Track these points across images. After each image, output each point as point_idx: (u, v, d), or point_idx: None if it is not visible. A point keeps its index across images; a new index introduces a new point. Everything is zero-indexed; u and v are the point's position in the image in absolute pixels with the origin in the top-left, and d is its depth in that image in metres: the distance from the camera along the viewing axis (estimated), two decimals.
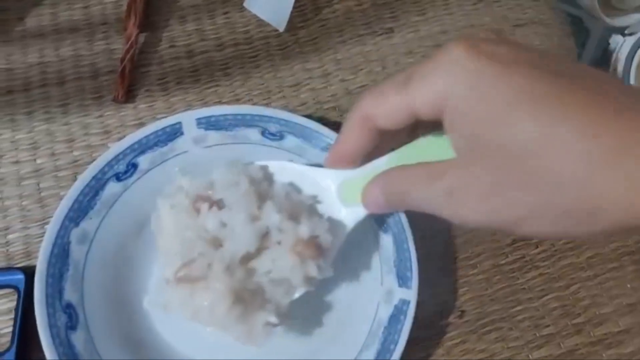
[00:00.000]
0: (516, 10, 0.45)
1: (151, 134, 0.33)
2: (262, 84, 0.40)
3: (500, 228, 0.23)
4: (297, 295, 0.29)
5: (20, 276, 0.32)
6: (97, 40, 0.41)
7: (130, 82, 0.39)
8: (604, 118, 0.20)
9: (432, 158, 0.25)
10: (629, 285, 0.37)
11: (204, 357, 0.32)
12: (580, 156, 0.20)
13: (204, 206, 0.28)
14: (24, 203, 0.35)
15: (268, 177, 0.31)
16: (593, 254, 0.37)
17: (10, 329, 0.31)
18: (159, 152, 0.33)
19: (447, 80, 0.22)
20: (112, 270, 0.32)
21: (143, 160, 0.33)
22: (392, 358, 0.30)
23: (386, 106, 0.25)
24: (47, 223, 0.33)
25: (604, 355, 0.35)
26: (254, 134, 0.35)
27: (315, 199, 0.31)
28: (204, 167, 0.31)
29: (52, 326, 0.29)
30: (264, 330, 0.28)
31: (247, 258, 0.28)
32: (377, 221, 0.33)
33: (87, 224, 0.32)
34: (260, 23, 0.42)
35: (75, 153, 0.37)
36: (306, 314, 0.33)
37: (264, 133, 0.35)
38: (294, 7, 0.41)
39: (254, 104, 0.40)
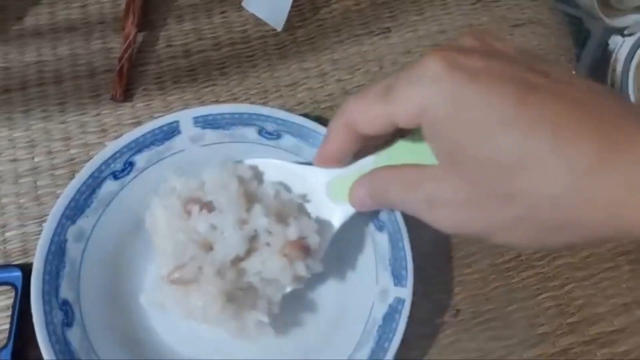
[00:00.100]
0: (514, 10, 0.45)
1: (148, 132, 0.34)
2: (259, 83, 0.41)
3: (476, 237, 0.24)
4: (288, 290, 0.30)
5: (18, 273, 0.32)
6: (95, 39, 0.41)
7: (128, 81, 0.39)
8: (579, 134, 0.20)
9: (420, 156, 0.26)
10: (624, 285, 0.37)
11: (200, 356, 0.32)
12: (554, 175, 0.20)
13: (195, 208, 0.28)
14: (21, 201, 0.35)
15: (258, 176, 0.31)
16: (588, 254, 0.38)
17: (7, 326, 0.31)
18: (155, 151, 0.34)
19: (425, 96, 0.23)
20: (109, 268, 0.32)
21: (140, 159, 0.33)
22: (387, 357, 0.30)
23: (368, 114, 0.25)
24: (44, 221, 0.33)
25: (597, 354, 0.35)
26: (251, 132, 0.35)
27: (304, 198, 0.31)
28: (201, 165, 0.32)
29: (48, 323, 0.29)
30: (256, 328, 0.29)
31: (238, 260, 0.29)
32: (372, 220, 0.33)
33: (84, 222, 0.32)
34: (258, 22, 0.42)
35: (72, 151, 0.37)
36: (301, 312, 0.33)
37: (261, 132, 0.35)
38: (292, 7, 0.41)
39: (251, 103, 0.40)
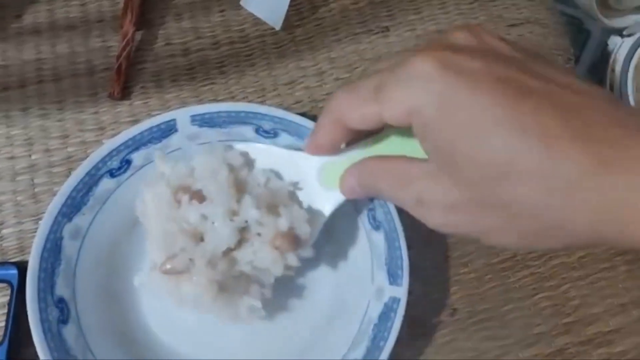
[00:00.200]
0: (512, 9, 0.45)
1: (145, 130, 0.34)
2: (257, 82, 0.41)
3: (466, 237, 0.24)
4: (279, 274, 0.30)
5: (14, 271, 0.32)
6: (93, 38, 0.41)
7: (126, 79, 0.39)
8: (571, 145, 0.19)
9: (412, 145, 0.25)
10: (620, 286, 0.37)
11: (197, 355, 0.32)
12: (542, 185, 0.20)
13: (185, 198, 0.28)
14: (18, 198, 0.35)
15: (248, 162, 0.31)
16: (585, 254, 0.38)
17: (3, 324, 0.32)
18: (152, 149, 0.34)
19: (415, 97, 0.22)
20: (105, 265, 0.32)
21: (137, 157, 0.33)
22: (382, 356, 0.30)
23: (357, 112, 0.25)
24: (41, 218, 0.33)
25: (593, 354, 0.35)
26: (248, 131, 0.35)
27: (295, 185, 0.31)
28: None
29: (43, 320, 0.29)
30: (249, 314, 0.29)
31: (229, 250, 0.29)
32: (368, 219, 0.33)
33: (80, 220, 0.32)
34: (257, 21, 0.42)
35: (70, 149, 0.37)
36: (296, 311, 0.33)
37: (258, 130, 0.35)
38: (290, 6, 0.41)
39: (249, 101, 0.40)
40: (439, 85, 0.21)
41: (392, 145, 0.28)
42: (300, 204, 0.31)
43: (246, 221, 0.29)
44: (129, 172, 0.33)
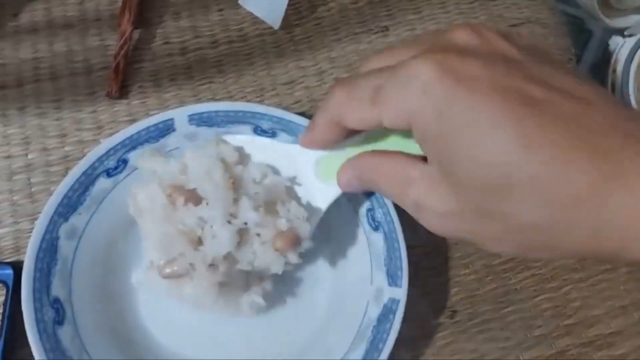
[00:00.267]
0: (512, 9, 0.45)
1: (143, 129, 0.33)
2: (256, 81, 0.40)
3: (463, 241, 0.24)
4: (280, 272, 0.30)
5: (9, 271, 0.32)
6: (91, 36, 0.41)
7: (123, 78, 0.39)
8: (573, 160, 0.19)
9: (410, 141, 0.25)
10: (622, 287, 0.37)
11: (194, 356, 0.32)
12: (541, 201, 0.20)
13: (180, 200, 0.28)
14: (14, 198, 0.35)
15: (243, 157, 0.30)
16: None
17: None
18: (150, 148, 0.33)
19: (414, 103, 0.22)
20: (101, 266, 0.32)
21: (134, 156, 0.33)
22: (381, 357, 0.30)
23: (355, 114, 0.24)
24: (37, 218, 0.33)
25: (594, 356, 0.34)
26: (246, 131, 0.34)
27: (292, 180, 0.30)
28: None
29: (39, 321, 0.29)
30: (251, 309, 0.30)
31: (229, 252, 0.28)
32: (367, 219, 0.33)
33: (77, 220, 0.31)
34: (255, 20, 0.42)
35: (67, 148, 0.37)
36: (295, 312, 0.33)
37: (256, 130, 0.35)
38: (289, 5, 0.41)
39: (248, 101, 0.40)
40: (439, 92, 0.21)
41: (390, 140, 0.27)
42: (298, 199, 0.30)
43: (245, 223, 0.28)
44: (125, 172, 0.33)
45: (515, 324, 0.35)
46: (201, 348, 0.32)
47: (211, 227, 0.28)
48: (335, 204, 0.33)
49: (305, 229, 0.29)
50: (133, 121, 0.37)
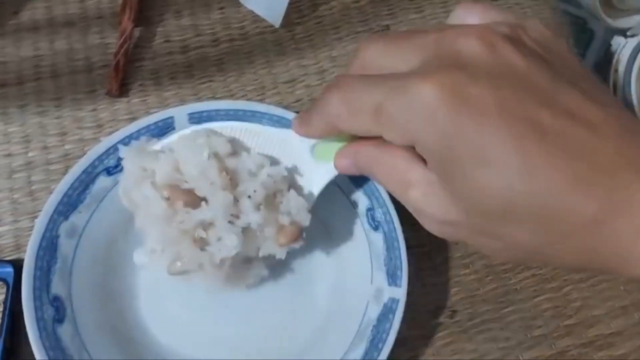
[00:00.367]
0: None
1: (143, 128, 0.33)
2: (257, 80, 0.40)
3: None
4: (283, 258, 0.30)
5: (9, 269, 0.32)
6: (92, 34, 0.40)
7: (124, 76, 0.39)
8: (574, 186, 0.19)
9: None
10: (622, 288, 0.36)
11: (194, 355, 0.32)
12: (540, 226, 0.20)
13: (179, 203, 0.27)
14: (15, 196, 0.35)
15: (236, 148, 0.29)
16: None
17: None
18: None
19: (418, 128, 0.21)
20: (101, 264, 0.32)
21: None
22: (380, 357, 0.30)
23: (354, 126, 0.24)
24: (37, 216, 0.33)
25: (594, 357, 0.34)
26: None
27: (289, 168, 0.30)
28: None
29: (39, 319, 0.29)
30: (255, 281, 0.31)
31: None
32: (367, 219, 0.33)
33: (77, 218, 0.31)
34: (256, 19, 0.42)
35: (67, 147, 0.37)
36: (295, 311, 0.33)
37: None
38: (290, 3, 0.41)
39: (248, 99, 0.39)
40: (444, 116, 0.20)
41: None
42: (295, 184, 0.30)
43: (249, 223, 0.28)
44: None
45: (515, 324, 0.35)
46: (201, 347, 0.32)
47: (214, 227, 0.28)
48: (335, 204, 0.33)
49: (306, 218, 0.29)
50: (133, 119, 0.37)
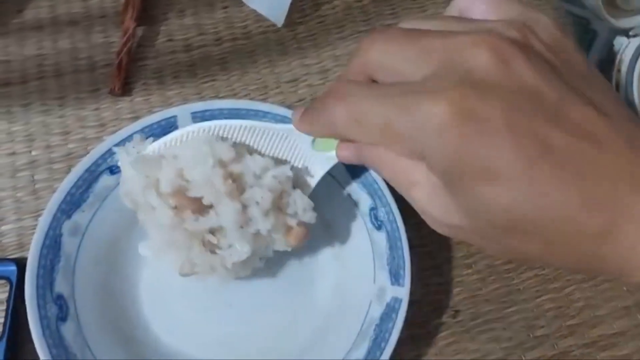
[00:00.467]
0: None
1: (145, 127, 0.33)
2: (260, 79, 0.40)
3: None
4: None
5: (13, 267, 0.32)
6: (95, 33, 0.41)
7: (127, 75, 0.39)
8: (578, 205, 0.19)
9: None
10: (624, 288, 0.36)
11: (196, 355, 0.32)
12: (543, 239, 0.20)
13: (187, 212, 0.28)
14: (18, 195, 0.35)
15: (240, 152, 0.29)
16: None
17: (2, 321, 0.31)
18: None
19: (428, 145, 0.21)
20: (104, 263, 0.32)
21: None
22: (383, 356, 0.30)
23: (361, 138, 0.24)
24: (40, 215, 0.33)
25: (597, 357, 0.34)
26: None
27: (292, 165, 0.30)
28: None
29: (42, 318, 0.29)
30: (251, 273, 0.31)
31: None
32: (370, 218, 0.33)
33: (80, 217, 0.31)
34: (259, 18, 0.42)
35: (70, 146, 0.37)
36: (297, 310, 0.33)
37: None
38: (293, 3, 0.41)
39: (251, 99, 0.40)
40: (454, 135, 0.20)
41: None
42: (299, 176, 0.30)
43: (257, 230, 0.29)
44: None
45: (517, 324, 0.35)
46: (203, 347, 0.32)
47: (223, 231, 0.28)
48: (338, 203, 0.33)
49: (312, 217, 0.29)
50: (136, 118, 0.37)
